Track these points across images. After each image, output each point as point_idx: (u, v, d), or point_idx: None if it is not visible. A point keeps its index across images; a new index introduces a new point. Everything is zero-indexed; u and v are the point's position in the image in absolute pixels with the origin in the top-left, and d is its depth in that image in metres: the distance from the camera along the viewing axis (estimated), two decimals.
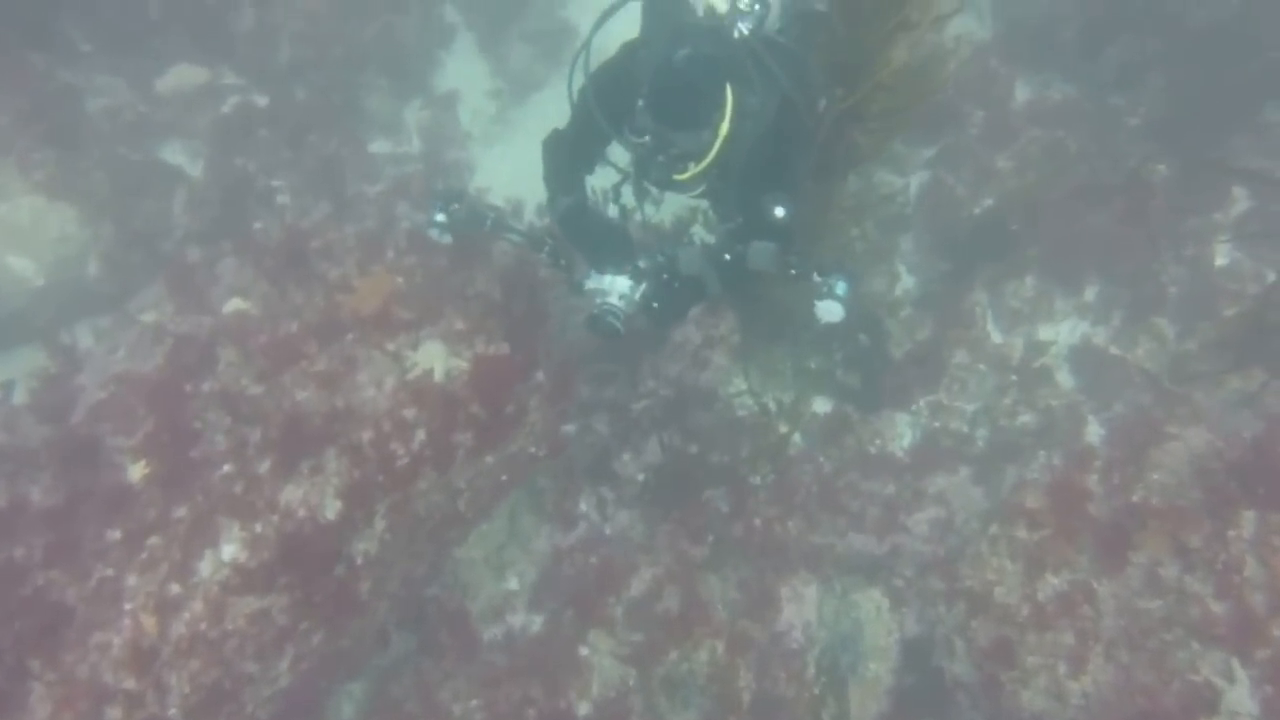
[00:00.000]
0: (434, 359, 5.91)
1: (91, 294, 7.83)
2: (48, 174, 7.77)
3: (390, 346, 5.96)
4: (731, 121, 4.42)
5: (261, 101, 8.97)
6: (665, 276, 4.95)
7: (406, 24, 9.61)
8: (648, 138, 4.39)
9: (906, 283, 8.43)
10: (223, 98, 8.99)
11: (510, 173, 9.04)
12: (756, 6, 4.82)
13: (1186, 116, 8.93)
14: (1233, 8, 8.96)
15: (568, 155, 5.09)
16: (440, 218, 5.26)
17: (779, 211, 4.65)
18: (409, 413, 5.73)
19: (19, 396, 6.66)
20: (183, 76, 8.95)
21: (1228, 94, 8.78)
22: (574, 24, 10.00)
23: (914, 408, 7.86)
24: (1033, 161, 8.82)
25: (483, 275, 6.31)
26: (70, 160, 7.93)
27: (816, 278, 4.83)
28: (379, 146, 9.23)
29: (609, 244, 5.02)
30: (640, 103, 4.34)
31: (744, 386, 7.53)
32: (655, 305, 4.94)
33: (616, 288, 4.88)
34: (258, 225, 8.27)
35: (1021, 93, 9.37)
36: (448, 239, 5.30)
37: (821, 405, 7.79)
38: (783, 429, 7.40)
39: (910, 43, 5.39)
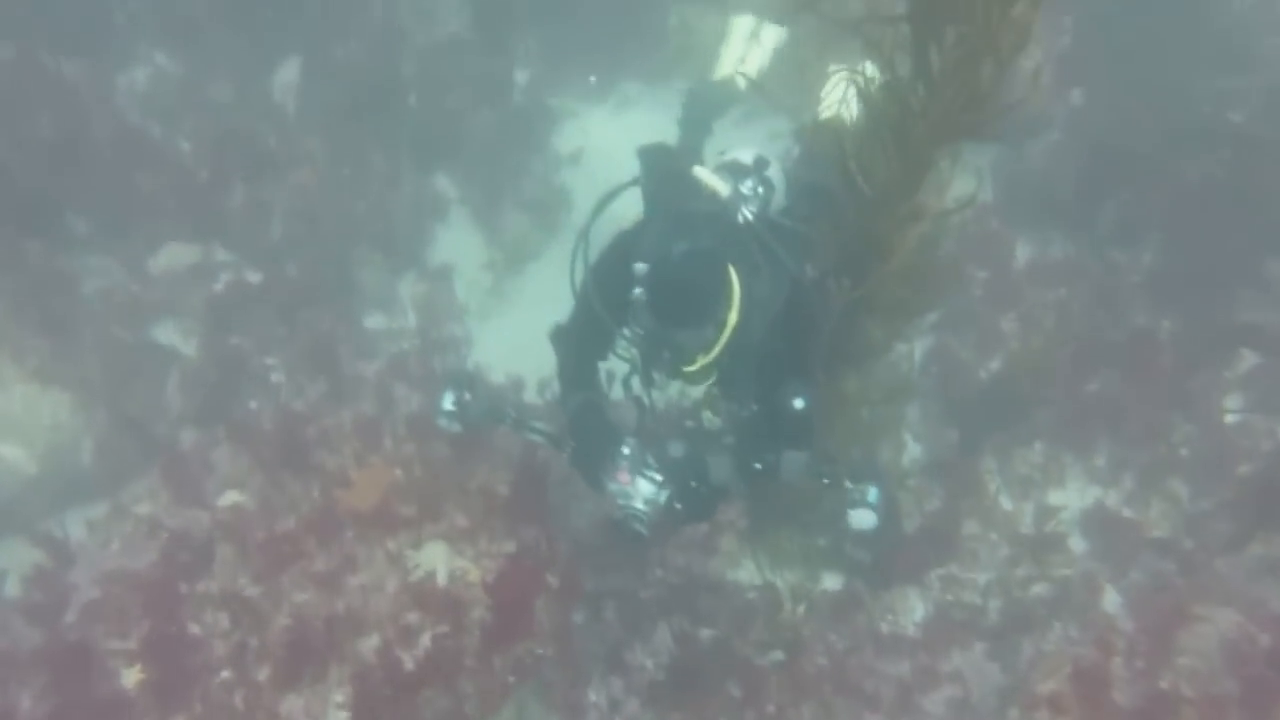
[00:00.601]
0: (436, 560, 5.74)
1: (85, 482, 7.68)
2: (41, 360, 7.70)
3: (391, 545, 5.79)
4: (739, 313, 4.29)
5: (254, 278, 8.91)
6: (693, 484, 4.79)
7: (399, 197, 9.61)
8: (650, 333, 4.29)
9: (913, 451, 8.29)
10: (215, 275, 8.92)
11: (508, 347, 8.94)
12: (760, 189, 4.76)
13: (1188, 271, 8.89)
14: (1225, 163, 8.98)
15: (576, 351, 4.99)
16: (449, 406, 5.12)
17: (798, 403, 4.53)
18: (413, 617, 5.54)
19: (10, 588, 6.55)
20: (174, 255, 8.92)
21: (1228, 249, 8.75)
22: (570, 190, 10.00)
23: (925, 580, 7.64)
24: (1037, 323, 8.75)
25: (485, 466, 6.16)
26: (63, 346, 7.88)
27: (848, 484, 4.70)
28: (374, 322, 9.14)
29: (615, 450, 4.81)
30: (639, 299, 4.21)
31: (752, 568, 7.35)
32: (680, 508, 4.79)
33: (641, 491, 4.70)
34: (253, 404, 8.18)
35: (1023, 252, 9.33)
36: (456, 428, 5.16)
37: (831, 581, 7.58)
38: (792, 608, 7.20)
39: (922, 232, 5.27)
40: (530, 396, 8.32)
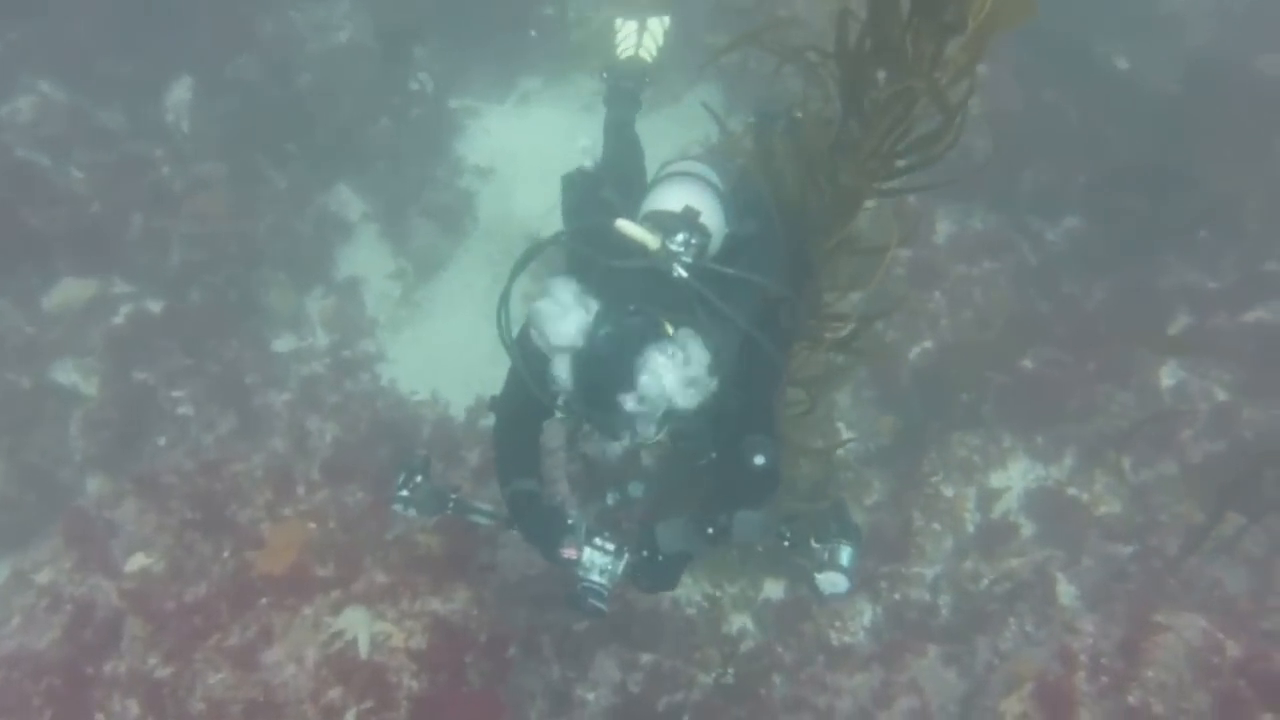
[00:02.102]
0: (357, 625, 5.37)
1: None
2: None
3: (308, 611, 5.44)
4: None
5: (155, 308, 8.53)
6: (645, 554, 4.48)
7: (301, 213, 9.24)
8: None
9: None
10: (114, 308, 8.54)
11: (422, 359, 8.64)
12: (692, 240, 4.40)
13: (1111, 236, 8.77)
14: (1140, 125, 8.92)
15: (513, 433, 4.66)
16: (404, 492, 4.80)
17: (759, 460, 4.18)
18: (335, 694, 5.18)
19: None
20: (70, 291, 8.51)
21: (1158, 222, 8.64)
22: (475, 194, 9.70)
23: (872, 581, 7.40)
24: (964, 299, 8.56)
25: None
26: None
27: (815, 544, 4.41)
28: (283, 343, 8.76)
29: (558, 529, 4.51)
30: (564, 382, 3.90)
31: (690, 582, 7.09)
32: (639, 578, 4.49)
33: (596, 563, 4.38)
34: (161, 441, 7.84)
35: (944, 227, 9.12)
36: (412, 513, 4.85)
37: (774, 589, 7.34)
38: (735, 621, 6.96)
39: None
40: (456, 413, 8.06)
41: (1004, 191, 9.13)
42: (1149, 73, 9.68)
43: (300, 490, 6.03)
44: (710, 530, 4.35)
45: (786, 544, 4.44)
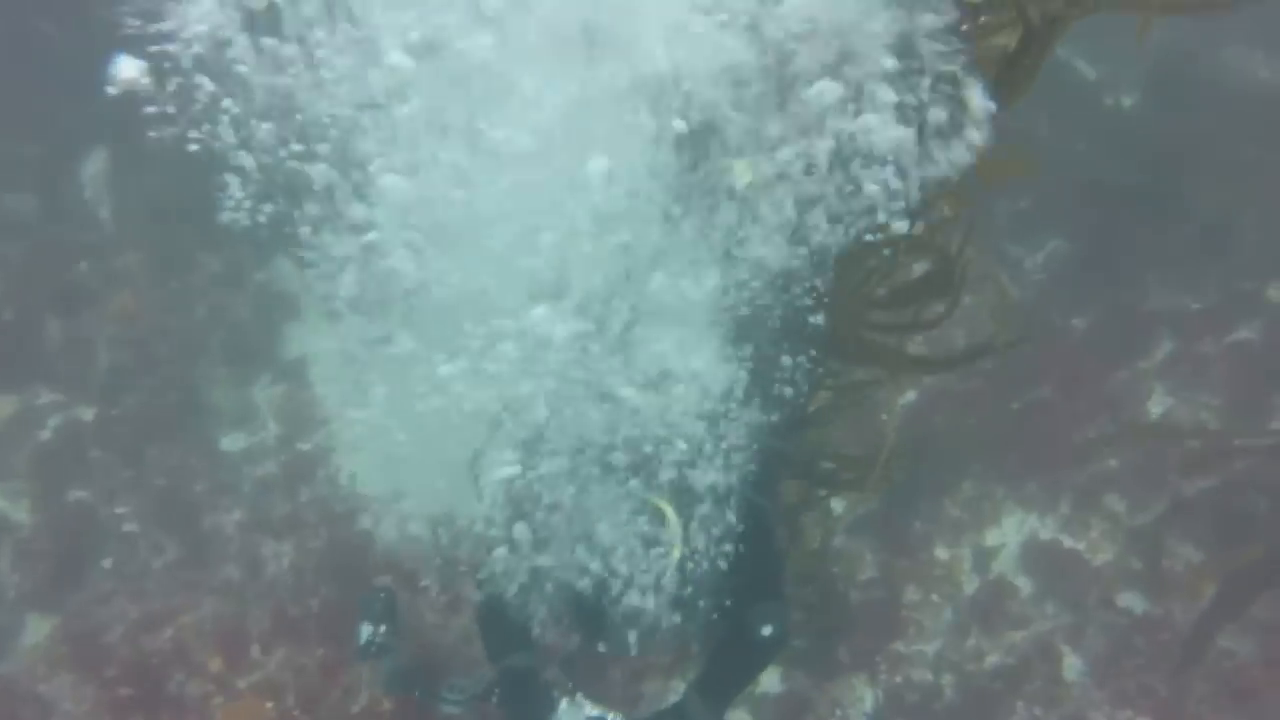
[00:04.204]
0: None
1: None
2: None
3: None
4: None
5: (87, 416, 7.98)
6: None
7: (238, 297, 8.68)
8: None
9: (835, 506, 7.63)
10: (40, 422, 7.98)
11: (381, 447, 8.15)
12: None
13: (1088, 259, 8.46)
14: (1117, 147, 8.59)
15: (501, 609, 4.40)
16: (365, 640, 4.46)
17: (766, 630, 4.09)
18: None
19: None
20: None
21: (1129, 233, 8.33)
22: None
23: (871, 663, 7.06)
24: (946, 341, 8.18)
25: (366, 676, 5.40)
26: None
27: None
28: (231, 441, 8.19)
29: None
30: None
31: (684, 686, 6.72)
32: None
33: None
34: (106, 564, 7.31)
35: (920, 265, 8.72)
36: (379, 690, 4.55)
37: (771, 682, 6.99)
38: (734, 718, 6.61)
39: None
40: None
41: (979, 217, 8.75)
42: (1114, 75, 9.35)
43: (255, 650, 5.57)
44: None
45: None
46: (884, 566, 7.44)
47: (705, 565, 3.97)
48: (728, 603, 4.15)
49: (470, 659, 5.83)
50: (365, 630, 4.54)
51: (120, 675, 5.41)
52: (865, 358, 4.73)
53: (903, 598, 7.28)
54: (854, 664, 7.07)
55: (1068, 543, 7.47)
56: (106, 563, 7.38)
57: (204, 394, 8.26)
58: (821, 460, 5.29)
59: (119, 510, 7.63)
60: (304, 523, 7.42)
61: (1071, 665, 6.86)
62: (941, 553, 7.51)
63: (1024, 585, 7.35)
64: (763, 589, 4.22)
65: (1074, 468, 7.72)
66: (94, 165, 9.16)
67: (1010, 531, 7.62)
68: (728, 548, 4.04)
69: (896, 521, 7.57)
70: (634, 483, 3.95)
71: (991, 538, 7.60)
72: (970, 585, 7.39)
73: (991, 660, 6.99)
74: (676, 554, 3.92)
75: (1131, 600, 7.07)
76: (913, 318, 4.43)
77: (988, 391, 7.97)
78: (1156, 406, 8.06)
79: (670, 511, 3.95)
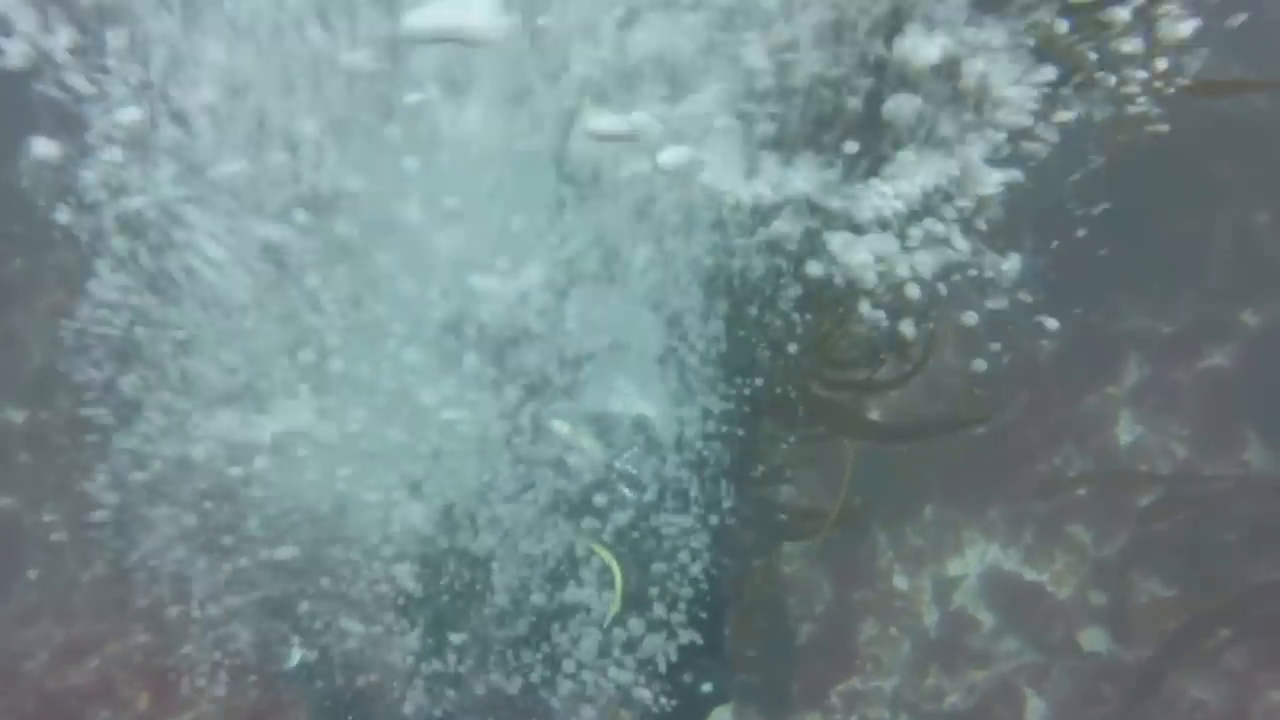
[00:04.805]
0: None
1: None
2: None
3: None
4: None
5: (18, 419, 7.65)
6: None
7: None
8: None
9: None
10: None
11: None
12: None
13: (1062, 283, 8.23)
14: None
15: None
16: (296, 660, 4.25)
17: (706, 688, 3.76)
18: None
19: None
20: None
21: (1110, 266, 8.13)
22: None
23: (825, 702, 6.85)
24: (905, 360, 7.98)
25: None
26: None
27: None
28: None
29: None
30: None
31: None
32: None
33: None
34: (32, 575, 7.02)
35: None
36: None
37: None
38: None
39: None
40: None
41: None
42: None
43: (185, 687, 5.28)
44: None
45: None
46: (839, 595, 7.21)
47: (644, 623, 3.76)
48: (667, 660, 3.97)
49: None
50: (295, 654, 4.30)
51: (38, 714, 5.09)
52: (816, 419, 4.42)
53: (860, 632, 7.07)
54: (808, 702, 6.85)
55: (1029, 575, 7.29)
56: (32, 574, 7.08)
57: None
58: (773, 513, 4.96)
59: (48, 519, 7.30)
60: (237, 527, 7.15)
61: (1035, 709, 6.67)
62: (901, 582, 7.30)
63: (985, 619, 7.16)
64: (703, 645, 4.03)
65: (1038, 496, 7.53)
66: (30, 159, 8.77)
67: (973, 561, 7.42)
68: (672, 604, 3.83)
69: (855, 549, 7.35)
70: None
71: (953, 567, 7.40)
72: (930, 617, 7.19)
73: (951, 701, 6.78)
74: (615, 609, 3.70)
75: (1096, 639, 6.88)
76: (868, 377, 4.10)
77: (954, 417, 7.69)
78: (1125, 435, 7.86)
79: (614, 564, 3.73)
